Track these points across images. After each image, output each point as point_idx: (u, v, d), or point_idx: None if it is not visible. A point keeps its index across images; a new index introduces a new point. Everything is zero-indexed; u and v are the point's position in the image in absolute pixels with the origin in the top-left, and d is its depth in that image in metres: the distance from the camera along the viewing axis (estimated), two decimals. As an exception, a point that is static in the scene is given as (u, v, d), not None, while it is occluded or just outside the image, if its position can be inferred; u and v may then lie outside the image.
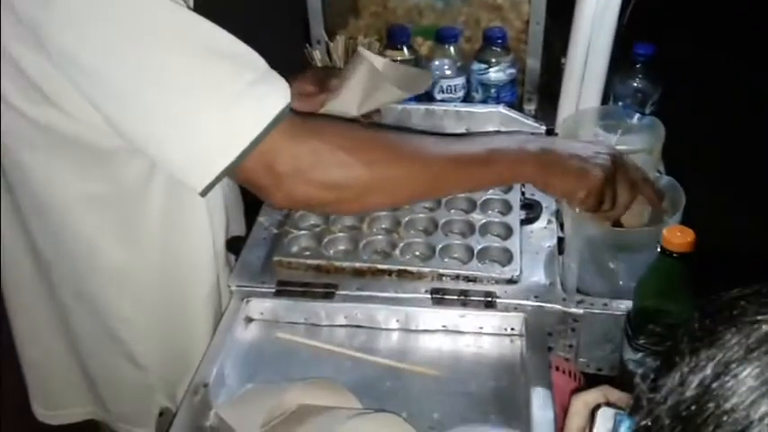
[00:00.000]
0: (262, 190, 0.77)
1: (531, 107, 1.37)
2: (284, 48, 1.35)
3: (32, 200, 0.87)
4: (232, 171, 0.73)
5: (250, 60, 0.74)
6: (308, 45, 1.38)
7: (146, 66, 0.70)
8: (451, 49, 1.30)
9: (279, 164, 0.74)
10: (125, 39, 0.69)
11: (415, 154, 0.81)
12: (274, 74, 0.76)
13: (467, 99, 1.33)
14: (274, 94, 0.74)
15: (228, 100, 0.71)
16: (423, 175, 0.81)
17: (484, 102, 1.31)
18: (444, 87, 1.30)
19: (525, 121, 1.26)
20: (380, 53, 1.33)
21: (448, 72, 1.31)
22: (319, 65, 1.36)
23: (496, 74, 1.30)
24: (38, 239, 0.90)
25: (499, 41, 1.28)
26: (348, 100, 0.99)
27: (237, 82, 0.72)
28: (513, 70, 1.31)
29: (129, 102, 0.71)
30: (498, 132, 1.23)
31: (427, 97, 1.30)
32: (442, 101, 1.31)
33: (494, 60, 1.29)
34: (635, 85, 1.26)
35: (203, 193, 0.75)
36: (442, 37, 1.31)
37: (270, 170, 0.74)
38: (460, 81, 1.30)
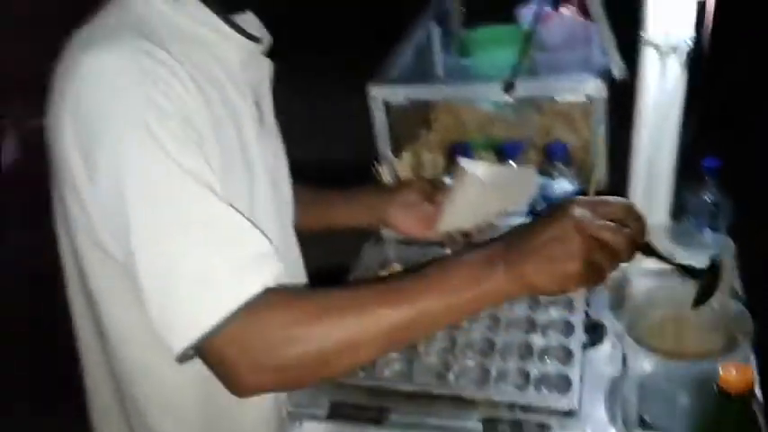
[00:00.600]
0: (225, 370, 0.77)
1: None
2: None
3: (107, 322, 0.93)
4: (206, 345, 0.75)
5: (244, 240, 0.78)
6: (375, 161, 1.43)
7: (152, 226, 0.76)
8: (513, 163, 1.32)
9: (246, 346, 0.75)
10: (141, 194, 0.76)
11: (365, 305, 0.77)
12: (267, 256, 0.79)
13: (532, 212, 1.32)
14: (254, 278, 0.76)
15: (208, 272, 0.75)
16: (381, 325, 0.76)
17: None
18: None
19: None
20: (444, 169, 1.37)
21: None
22: (386, 181, 1.41)
23: (559, 188, 1.29)
24: (112, 358, 0.95)
25: (560, 156, 1.29)
26: (458, 216, 1.01)
27: (228, 255, 0.76)
28: (574, 185, 1.30)
29: (134, 253, 0.76)
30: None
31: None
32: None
33: (556, 174, 1.29)
34: (705, 199, 1.23)
35: (179, 359, 0.77)
36: (504, 152, 1.32)
37: (242, 349, 0.75)
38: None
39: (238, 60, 0.94)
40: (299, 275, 1.09)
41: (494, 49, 1.56)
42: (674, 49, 1.08)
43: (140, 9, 0.86)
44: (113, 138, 0.77)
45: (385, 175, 1.41)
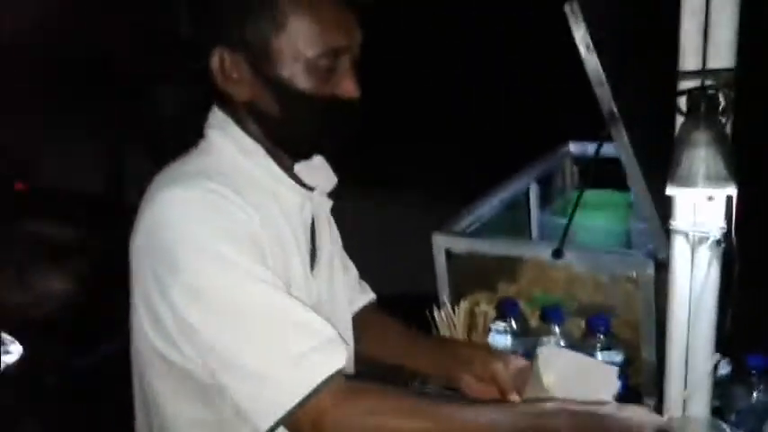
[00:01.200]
0: None
1: (650, 402, 1.30)
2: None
3: (157, 418, 1.08)
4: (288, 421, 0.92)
5: (315, 330, 0.95)
6: (435, 306, 1.51)
7: (233, 330, 0.94)
8: (556, 328, 1.33)
9: (323, 423, 0.91)
10: (221, 307, 0.94)
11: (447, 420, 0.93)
12: (335, 342, 0.96)
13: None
14: (328, 361, 0.93)
15: (290, 361, 0.92)
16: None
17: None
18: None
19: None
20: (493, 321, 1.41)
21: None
22: (440, 327, 1.47)
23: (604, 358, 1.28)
24: None
25: (601, 329, 1.28)
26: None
27: (301, 346, 0.93)
28: (618, 359, 1.28)
29: (218, 355, 0.94)
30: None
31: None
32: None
33: (598, 346, 1.28)
34: (751, 399, 1.15)
35: None
36: (546, 316, 1.34)
37: (315, 427, 0.91)
38: None
39: (296, 203, 1.10)
40: None
41: (595, 213, 1.60)
42: (704, 240, 1.07)
43: (216, 157, 1.06)
44: (190, 268, 0.95)
45: (439, 320, 1.48)
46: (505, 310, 1.38)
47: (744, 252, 1.05)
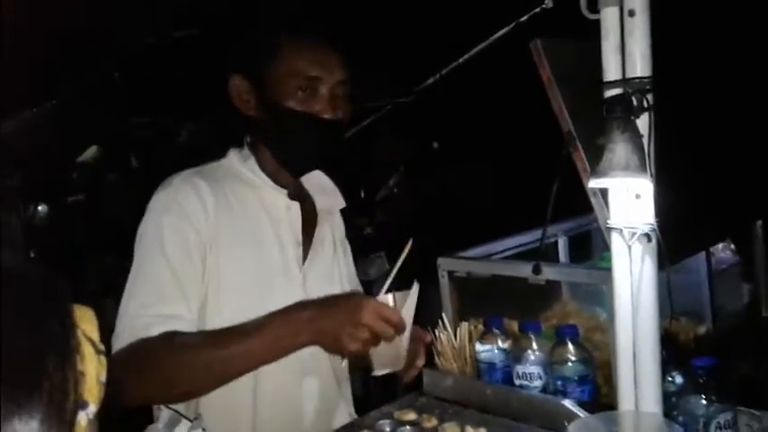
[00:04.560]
0: None
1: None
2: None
3: None
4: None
5: (165, 304, 1.21)
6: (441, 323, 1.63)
7: (132, 278, 1.25)
8: (533, 339, 1.41)
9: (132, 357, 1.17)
10: (137, 262, 1.26)
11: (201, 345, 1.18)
12: (169, 318, 1.19)
13: (545, 389, 1.37)
14: (152, 328, 1.18)
15: (135, 316, 1.19)
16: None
17: (558, 393, 1.34)
18: (521, 374, 1.39)
19: (579, 414, 1.24)
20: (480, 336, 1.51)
21: (530, 359, 1.40)
22: (442, 345, 1.59)
23: (568, 369, 1.34)
24: None
25: (569, 338, 1.35)
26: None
27: (149, 310, 1.19)
28: (584, 367, 1.33)
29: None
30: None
31: (508, 380, 1.40)
32: (520, 386, 1.39)
33: (566, 357, 1.34)
34: (700, 401, 1.16)
35: None
36: (523, 328, 1.43)
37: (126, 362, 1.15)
38: (536, 370, 1.38)
39: (280, 204, 1.36)
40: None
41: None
42: (635, 235, 1.16)
43: (222, 162, 1.37)
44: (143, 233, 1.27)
45: (440, 338, 1.59)
46: (491, 325, 1.48)
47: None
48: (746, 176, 1.90)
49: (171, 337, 1.17)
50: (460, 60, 2.42)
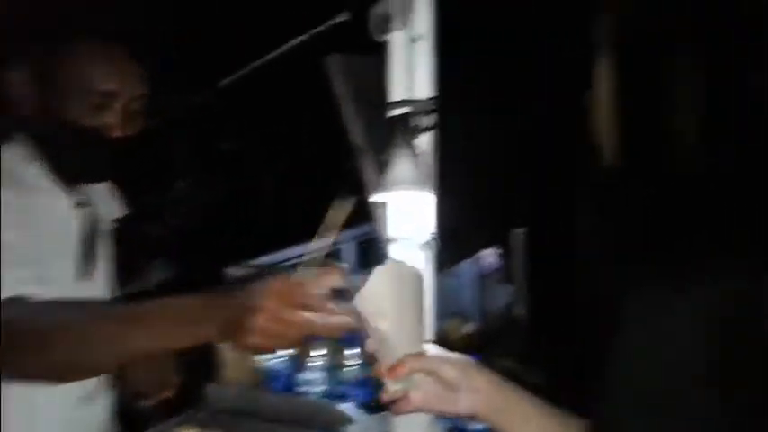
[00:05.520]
0: None
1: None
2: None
3: None
4: None
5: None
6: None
7: None
8: (316, 346, 1.44)
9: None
10: None
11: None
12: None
13: (328, 394, 1.41)
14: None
15: None
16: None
17: (340, 397, 1.38)
18: (304, 380, 1.41)
19: (358, 417, 1.29)
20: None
21: (312, 365, 1.42)
22: (225, 356, 1.56)
23: (349, 372, 1.38)
24: None
25: (353, 343, 1.39)
26: None
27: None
28: (365, 370, 1.38)
29: None
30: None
31: (289, 386, 1.41)
32: (304, 393, 1.41)
33: (348, 360, 1.39)
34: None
35: None
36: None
37: None
38: (319, 375, 1.40)
39: (67, 213, 1.23)
40: None
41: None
42: (417, 245, 1.23)
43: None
44: None
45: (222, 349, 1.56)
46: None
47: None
48: (510, 190, 2.12)
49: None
50: (255, 64, 2.40)
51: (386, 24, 1.22)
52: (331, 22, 1.48)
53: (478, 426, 1.28)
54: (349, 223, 1.96)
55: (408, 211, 1.23)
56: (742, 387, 0.54)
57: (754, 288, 0.54)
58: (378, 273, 0.96)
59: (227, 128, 3.60)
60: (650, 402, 0.56)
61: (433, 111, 1.22)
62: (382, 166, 1.25)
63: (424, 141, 1.22)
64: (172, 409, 1.62)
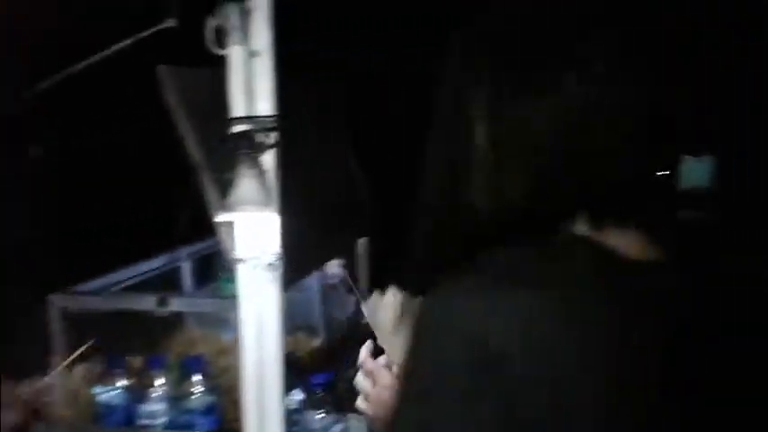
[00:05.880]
0: None
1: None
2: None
3: None
4: None
5: None
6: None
7: None
8: (157, 375, 1.35)
9: None
10: None
11: None
12: None
13: (172, 425, 1.33)
14: None
15: None
16: None
17: (185, 428, 1.31)
18: (145, 413, 1.32)
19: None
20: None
21: (153, 396, 1.34)
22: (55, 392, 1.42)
23: (194, 401, 1.32)
24: None
25: (195, 370, 1.33)
26: None
27: None
28: (211, 397, 1.32)
29: None
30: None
31: (129, 419, 1.32)
32: (144, 426, 1.32)
33: (192, 389, 1.32)
34: (317, 415, 1.26)
35: None
36: (149, 364, 1.37)
37: None
38: (161, 407, 1.32)
39: None
40: None
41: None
42: (263, 264, 1.20)
43: None
44: None
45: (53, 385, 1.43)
46: (111, 364, 1.38)
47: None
48: (351, 198, 2.14)
49: None
50: (74, 68, 2.21)
51: (223, 37, 1.18)
52: (155, 29, 1.40)
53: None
54: (187, 240, 1.88)
55: (254, 232, 1.20)
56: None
57: None
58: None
59: (38, 133, 3.30)
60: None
61: (274, 129, 1.19)
62: (225, 185, 1.20)
63: (267, 159, 1.20)
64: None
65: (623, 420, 0.51)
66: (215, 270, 2.07)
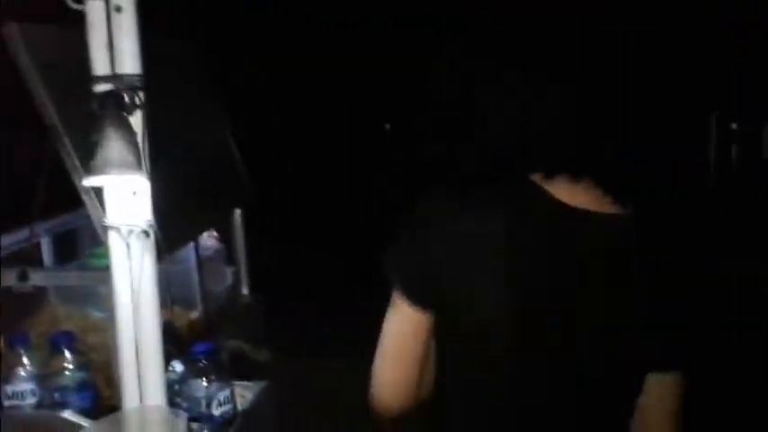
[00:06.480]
0: None
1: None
2: None
3: None
4: None
5: None
6: None
7: None
8: (22, 354, 1.27)
9: None
10: None
11: None
12: None
13: (42, 404, 1.26)
14: None
15: None
16: None
17: (57, 406, 1.24)
18: (11, 393, 1.24)
19: (82, 423, 1.18)
20: None
21: (20, 376, 1.26)
22: None
23: (65, 378, 1.25)
24: None
25: (65, 346, 1.27)
26: None
27: None
28: (82, 374, 1.27)
29: None
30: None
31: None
32: (11, 407, 1.24)
33: (63, 366, 1.26)
34: (201, 384, 1.24)
35: None
36: (11, 343, 1.29)
37: None
38: (28, 386, 1.25)
39: None
40: None
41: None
42: (135, 232, 1.15)
43: None
44: None
45: None
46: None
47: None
48: (226, 168, 2.10)
49: None
50: None
51: (80, -8, 1.11)
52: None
53: (217, 411, 1.26)
54: (46, 213, 1.77)
55: (125, 198, 1.15)
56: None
57: None
58: None
59: None
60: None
61: (140, 88, 1.14)
62: (89, 149, 1.14)
63: (134, 121, 1.14)
64: None
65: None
66: (78, 247, 1.96)
